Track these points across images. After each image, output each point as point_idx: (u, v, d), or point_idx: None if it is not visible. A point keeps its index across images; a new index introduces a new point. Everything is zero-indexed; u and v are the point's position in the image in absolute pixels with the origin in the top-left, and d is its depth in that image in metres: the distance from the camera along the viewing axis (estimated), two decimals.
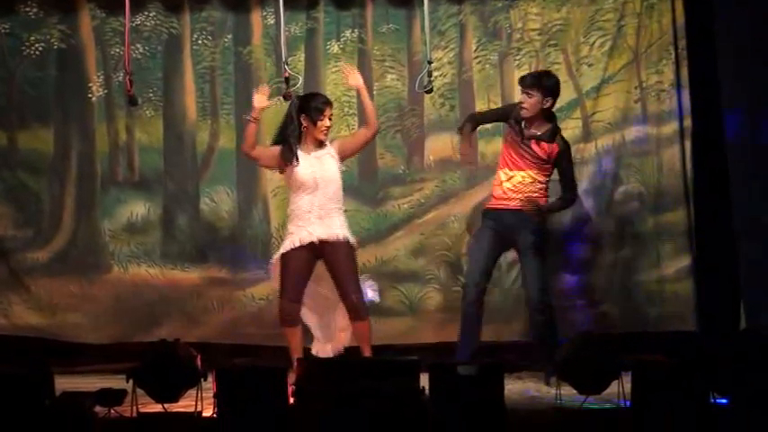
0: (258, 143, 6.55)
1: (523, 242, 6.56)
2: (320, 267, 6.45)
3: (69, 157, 7.64)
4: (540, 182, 6.56)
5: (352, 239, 6.42)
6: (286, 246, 6.39)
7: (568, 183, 6.64)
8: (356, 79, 6.54)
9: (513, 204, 6.55)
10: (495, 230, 6.60)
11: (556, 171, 6.62)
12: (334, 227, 6.36)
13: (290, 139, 6.39)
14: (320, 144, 6.43)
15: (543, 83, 6.53)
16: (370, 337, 6.39)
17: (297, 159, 6.35)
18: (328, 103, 6.47)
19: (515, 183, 6.55)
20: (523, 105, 6.53)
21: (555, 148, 6.54)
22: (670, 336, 7.23)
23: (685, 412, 5.19)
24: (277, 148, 6.43)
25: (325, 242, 6.34)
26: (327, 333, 6.56)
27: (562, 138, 6.63)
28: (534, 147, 6.52)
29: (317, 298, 6.51)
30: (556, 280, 7.30)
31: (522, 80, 6.63)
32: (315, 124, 6.38)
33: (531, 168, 6.53)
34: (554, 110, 6.69)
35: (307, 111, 6.39)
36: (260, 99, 6.45)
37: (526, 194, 6.51)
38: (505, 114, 6.69)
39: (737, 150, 6.96)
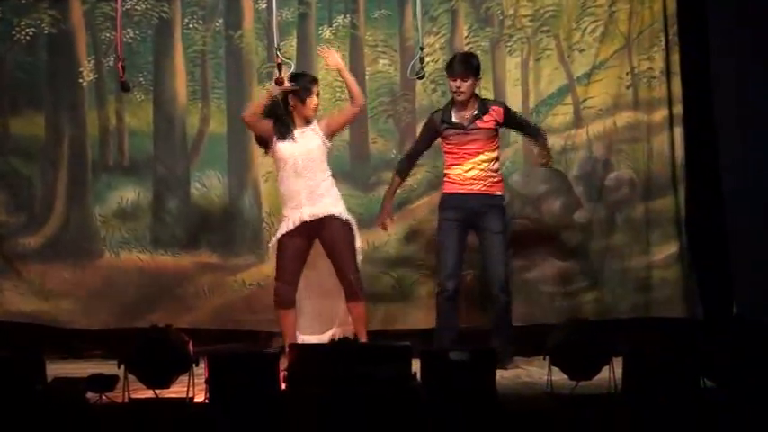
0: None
1: (488, 225, 6.63)
2: (316, 251, 6.48)
3: (61, 142, 7.62)
4: (494, 159, 6.66)
5: (346, 216, 6.46)
6: (282, 229, 6.43)
7: (530, 126, 6.87)
8: (334, 59, 6.54)
9: (476, 189, 6.62)
10: (459, 219, 6.65)
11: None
12: (326, 204, 6.41)
13: (282, 117, 6.43)
14: (307, 122, 6.45)
15: (474, 65, 6.64)
16: (366, 319, 6.45)
17: (292, 137, 6.38)
18: (315, 80, 6.54)
19: (472, 173, 6.62)
20: (460, 90, 6.59)
21: (498, 110, 6.67)
22: (662, 321, 7.25)
23: (677, 397, 5.20)
24: (271, 121, 6.45)
25: (318, 220, 6.38)
26: (319, 323, 6.57)
27: (494, 100, 6.87)
28: (480, 125, 6.60)
29: (312, 286, 6.54)
30: (547, 266, 7.32)
31: (452, 68, 6.65)
32: (304, 103, 6.41)
33: (482, 151, 6.61)
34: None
35: (295, 91, 6.41)
36: (276, 89, 6.43)
37: (486, 178, 6.61)
38: (433, 128, 6.74)
39: (729, 138, 6.96)
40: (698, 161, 7.32)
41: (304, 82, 6.47)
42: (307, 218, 6.36)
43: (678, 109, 7.37)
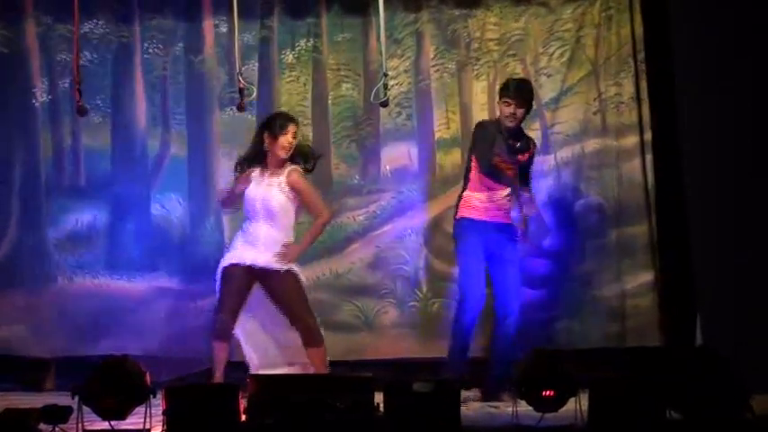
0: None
1: (509, 256, 6.52)
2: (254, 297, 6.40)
3: (12, 163, 7.44)
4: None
5: (296, 269, 6.34)
6: (228, 258, 6.36)
7: (529, 179, 6.67)
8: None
9: (500, 219, 6.51)
10: (483, 243, 6.48)
11: None
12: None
13: (248, 156, 6.40)
14: (279, 164, 6.34)
15: (531, 93, 6.55)
16: (326, 362, 6.29)
17: (257, 178, 6.33)
18: (292, 120, 6.43)
19: (498, 201, 6.51)
20: (516, 116, 6.47)
21: (532, 149, 6.63)
22: (632, 351, 7.19)
23: (642, 429, 5.16)
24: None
25: (267, 271, 6.28)
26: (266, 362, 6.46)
27: (530, 137, 6.71)
28: (520, 157, 6.51)
29: (255, 332, 6.46)
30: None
31: (508, 92, 6.46)
32: (276, 139, 6.31)
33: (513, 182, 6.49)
34: None
35: (270, 128, 6.35)
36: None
37: (507, 209, 6.53)
38: (492, 136, 6.45)
39: (697, 165, 6.95)
40: (664, 188, 7.29)
41: (281, 119, 6.40)
42: (256, 266, 6.28)
43: (648, 135, 7.34)
